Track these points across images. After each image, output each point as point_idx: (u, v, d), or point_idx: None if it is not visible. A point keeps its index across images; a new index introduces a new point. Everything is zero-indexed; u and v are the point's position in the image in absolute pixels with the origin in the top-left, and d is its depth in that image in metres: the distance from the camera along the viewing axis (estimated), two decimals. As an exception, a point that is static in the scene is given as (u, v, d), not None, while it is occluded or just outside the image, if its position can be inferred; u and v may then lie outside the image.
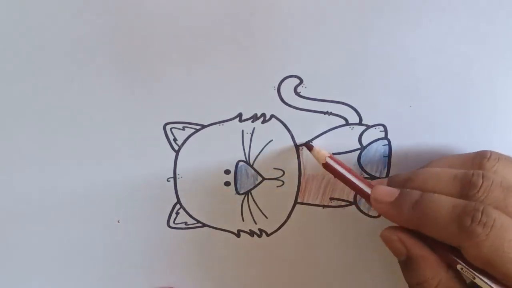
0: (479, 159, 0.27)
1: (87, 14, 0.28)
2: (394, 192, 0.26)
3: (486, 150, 0.27)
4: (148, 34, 0.28)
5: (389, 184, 0.29)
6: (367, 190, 0.28)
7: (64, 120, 0.30)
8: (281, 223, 0.33)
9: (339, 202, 0.33)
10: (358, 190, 0.28)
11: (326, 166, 0.29)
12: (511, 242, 0.23)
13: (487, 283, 0.24)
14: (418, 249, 0.26)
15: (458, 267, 0.25)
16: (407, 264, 0.26)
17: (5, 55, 0.28)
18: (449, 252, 0.25)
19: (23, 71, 0.29)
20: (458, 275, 0.26)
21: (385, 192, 0.27)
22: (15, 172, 0.31)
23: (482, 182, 0.25)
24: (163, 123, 0.30)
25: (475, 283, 0.25)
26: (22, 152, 0.31)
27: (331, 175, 0.31)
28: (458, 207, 0.24)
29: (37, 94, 0.29)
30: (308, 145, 0.30)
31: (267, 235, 0.33)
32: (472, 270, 0.25)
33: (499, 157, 0.27)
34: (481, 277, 0.24)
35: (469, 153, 0.28)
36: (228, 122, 0.31)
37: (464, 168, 0.27)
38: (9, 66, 0.29)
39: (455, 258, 0.25)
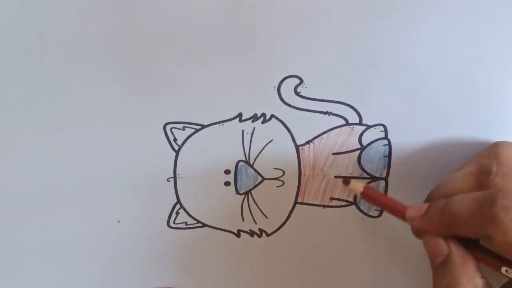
0: (493, 150, 0.27)
1: (88, 14, 0.28)
2: (423, 206, 0.27)
3: (498, 141, 0.28)
4: (148, 34, 0.28)
5: (427, 201, 0.29)
6: (403, 211, 0.29)
7: (64, 120, 0.30)
8: (281, 223, 0.33)
9: (339, 202, 0.33)
10: (395, 213, 0.29)
11: (364, 195, 0.30)
12: None
13: None
14: (460, 249, 0.26)
15: (503, 269, 0.25)
16: (443, 266, 0.26)
17: (5, 54, 0.28)
18: (490, 257, 0.25)
19: (23, 71, 0.29)
20: (488, 285, 0.26)
21: (416, 208, 0.28)
22: (15, 171, 0.31)
23: (497, 168, 0.25)
24: (163, 123, 0.30)
25: None
26: (22, 152, 0.31)
27: (331, 175, 0.31)
28: (478, 198, 0.24)
29: (37, 94, 0.29)
30: (345, 180, 0.31)
31: (267, 235, 0.33)
32: None
33: None
34: None
35: (484, 148, 0.29)
36: (228, 122, 0.31)
37: (481, 163, 0.27)
38: (9, 66, 0.29)
39: (498, 262, 0.25)
